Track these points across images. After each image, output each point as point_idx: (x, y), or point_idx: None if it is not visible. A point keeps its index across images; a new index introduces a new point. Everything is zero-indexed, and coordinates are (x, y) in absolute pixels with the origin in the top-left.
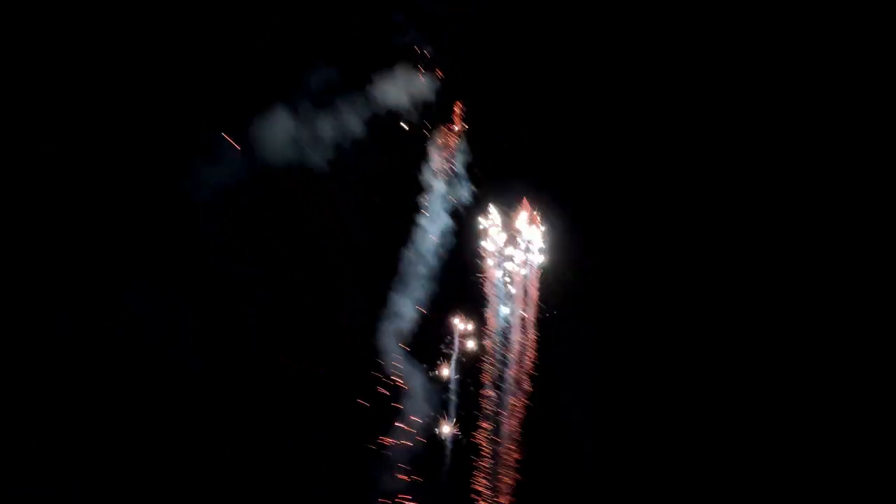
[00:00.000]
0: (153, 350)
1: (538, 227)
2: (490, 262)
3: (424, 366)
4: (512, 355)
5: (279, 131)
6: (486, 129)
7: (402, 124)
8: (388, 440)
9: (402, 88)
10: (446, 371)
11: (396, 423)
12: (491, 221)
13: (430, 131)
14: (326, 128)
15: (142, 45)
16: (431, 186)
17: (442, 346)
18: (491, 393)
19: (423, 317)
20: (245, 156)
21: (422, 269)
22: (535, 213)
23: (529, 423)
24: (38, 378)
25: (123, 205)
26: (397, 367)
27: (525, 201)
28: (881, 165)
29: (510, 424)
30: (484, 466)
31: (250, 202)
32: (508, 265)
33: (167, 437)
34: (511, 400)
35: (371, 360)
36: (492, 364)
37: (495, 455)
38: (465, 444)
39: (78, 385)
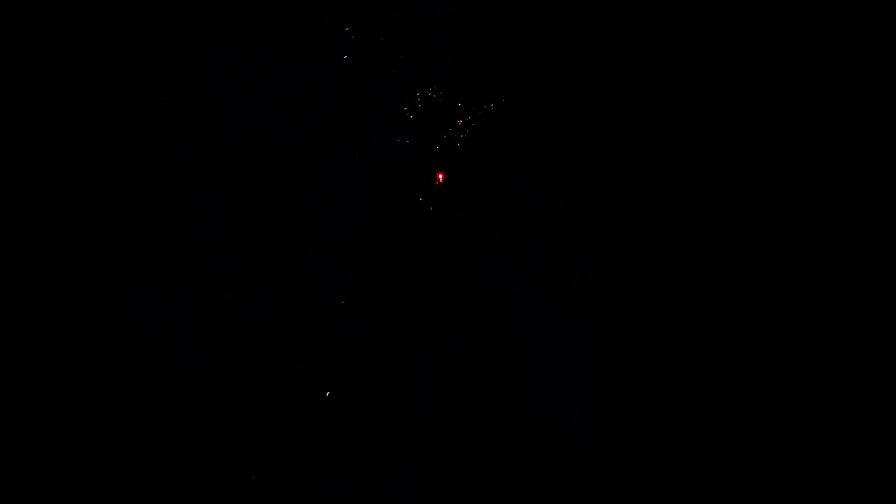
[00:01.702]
0: (153, 350)
1: None
2: None
3: None
4: None
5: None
6: None
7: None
8: None
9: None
10: None
11: None
12: None
13: None
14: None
15: (140, 46)
16: None
17: None
18: None
19: None
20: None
21: None
22: None
23: None
24: (39, 378)
25: (123, 204)
26: None
27: None
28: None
29: None
30: None
31: (250, 202)
32: None
33: (167, 437)
34: None
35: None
36: None
37: None
38: None
39: (78, 385)
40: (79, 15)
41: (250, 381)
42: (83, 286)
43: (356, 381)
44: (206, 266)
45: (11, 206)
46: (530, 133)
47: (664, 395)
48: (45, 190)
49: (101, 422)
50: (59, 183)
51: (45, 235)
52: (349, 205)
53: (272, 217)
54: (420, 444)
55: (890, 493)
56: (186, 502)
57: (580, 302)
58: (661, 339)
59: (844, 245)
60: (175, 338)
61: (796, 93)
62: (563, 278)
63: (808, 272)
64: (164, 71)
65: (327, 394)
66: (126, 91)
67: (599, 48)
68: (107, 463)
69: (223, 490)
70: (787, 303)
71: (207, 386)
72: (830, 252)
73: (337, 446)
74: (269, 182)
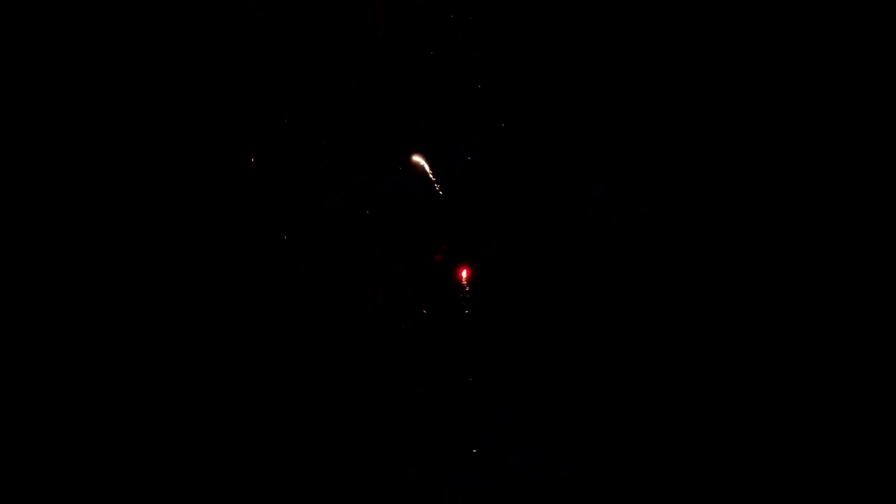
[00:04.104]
0: (155, 350)
1: None
2: None
3: None
4: None
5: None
6: None
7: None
8: None
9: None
10: None
11: None
12: None
13: None
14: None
15: (142, 45)
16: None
17: None
18: None
19: None
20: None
21: None
22: None
23: None
24: (38, 378)
25: (123, 204)
26: None
27: None
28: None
29: None
30: None
31: (251, 201)
32: None
33: (167, 437)
34: None
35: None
36: None
37: None
38: None
39: (78, 385)
40: (79, 15)
41: (250, 381)
42: (85, 286)
43: (359, 381)
44: (210, 266)
45: (11, 206)
46: (529, 133)
47: (662, 394)
48: (45, 190)
49: (100, 422)
50: (60, 183)
51: (45, 235)
52: (348, 204)
53: (273, 217)
54: (421, 444)
55: (889, 493)
56: (186, 502)
57: (580, 300)
58: (658, 338)
59: (837, 246)
60: (178, 337)
61: (791, 101)
62: (563, 278)
63: (802, 273)
64: (164, 71)
65: (338, 395)
66: (126, 91)
67: (598, 48)
68: (107, 463)
69: (223, 490)
70: (780, 303)
71: (207, 386)
72: (826, 253)
73: (342, 448)
74: (270, 183)
